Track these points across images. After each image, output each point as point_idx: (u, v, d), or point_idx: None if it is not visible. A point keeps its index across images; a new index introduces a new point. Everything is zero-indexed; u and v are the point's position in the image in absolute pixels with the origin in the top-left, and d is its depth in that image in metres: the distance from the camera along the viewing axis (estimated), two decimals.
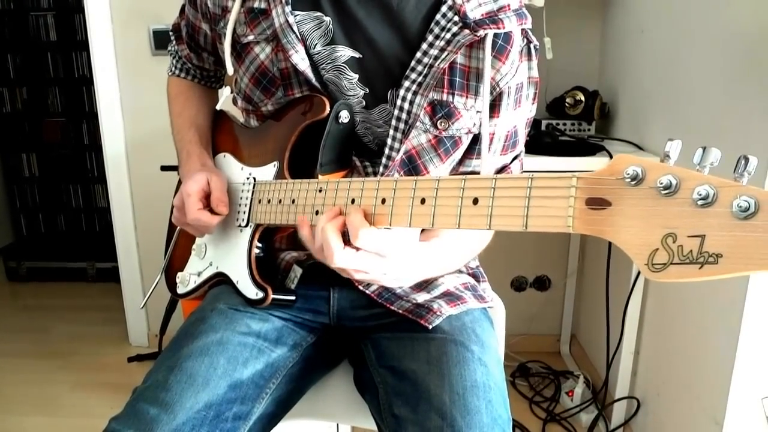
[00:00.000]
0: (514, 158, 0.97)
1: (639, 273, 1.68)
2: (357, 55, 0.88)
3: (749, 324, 1.23)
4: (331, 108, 0.86)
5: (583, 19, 2.10)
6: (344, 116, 0.87)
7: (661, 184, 0.46)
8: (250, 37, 0.91)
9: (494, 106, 0.89)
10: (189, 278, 1.03)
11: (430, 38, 0.85)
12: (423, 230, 0.77)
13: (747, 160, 0.43)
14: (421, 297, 0.96)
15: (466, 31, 0.82)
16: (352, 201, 0.73)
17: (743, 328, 1.23)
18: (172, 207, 1.00)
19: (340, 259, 0.71)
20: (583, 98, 1.91)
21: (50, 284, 3.19)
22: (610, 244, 1.87)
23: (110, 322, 2.65)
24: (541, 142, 1.79)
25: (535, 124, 1.91)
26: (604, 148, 1.70)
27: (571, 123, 1.93)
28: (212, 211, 0.92)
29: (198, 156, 1.01)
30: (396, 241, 0.71)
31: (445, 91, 0.86)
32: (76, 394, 2.16)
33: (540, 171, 0.56)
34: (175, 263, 1.10)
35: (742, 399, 1.28)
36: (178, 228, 1.09)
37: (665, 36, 1.64)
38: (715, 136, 1.34)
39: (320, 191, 0.78)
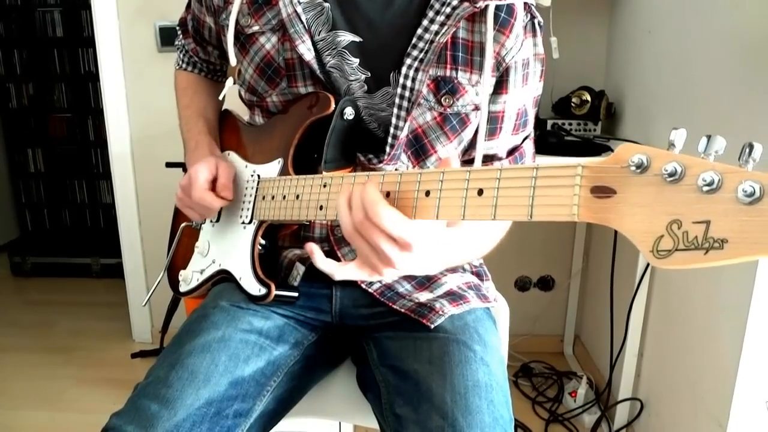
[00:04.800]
0: (525, 138, 0.96)
1: (643, 274, 1.67)
2: (357, 39, 0.88)
3: (754, 326, 1.22)
4: (336, 104, 0.85)
5: (589, 19, 2.10)
6: (349, 113, 0.87)
7: (666, 171, 0.46)
8: (255, 28, 0.91)
9: (502, 83, 0.88)
10: (192, 276, 1.03)
11: (431, 14, 0.85)
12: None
13: (752, 146, 0.43)
14: (424, 296, 0.96)
15: (466, 4, 0.82)
16: None
17: (748, 331, 1.23)
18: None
19: (386, 212, 0.64)
20: (589, 98, 1.91)
21: (54, 280, 3.20)
22: (614, 244, 1.87)
23: (114, 318, 2.65)
24: (546, 141, 1.79)
25: (541, 123, 1.91)
26: (609, 149, 1.70)
27: (577, 123, 1.93)
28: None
29: (207, 145, 1.02)
30: (424, 233, 0.65)
31: (449, 66, 0.86)
32: (79, 389, 2.17)
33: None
34: (177, 261, 1.10)
35: (746, 402, 1.27)
36: (181, 227, 1.09)
37: (672, 36, 1.63)
38: (723, 135, 1.34)
39: (324, 186, 0.77)
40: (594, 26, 2.10)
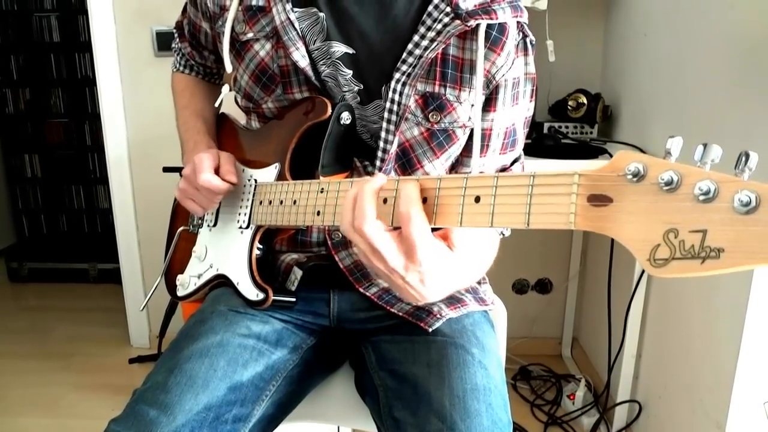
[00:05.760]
0: (515, 160, 0.96)
1: (641, 276, 1.68)
2: (350, 51, 0.88)
3: (751, 327, 1.23)
4: (333, 109, 0.86)
5: (585, 22, 2.10)
6: (345, 117, 0.87)
7: (663, 180, 0.46)
8: (250, 35, 0.92)
9: (491, 100, 0.88)
10: (189, 280, 1.02)
11: (422, 30, 0.85)
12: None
13: (748, 155, 0.43)
14: None
15: (457, 21, 0.82)
16: None
17: (745, 332, 1.23)
18: (176, 199, 0.99)
19: (370, 227, 0.62)
20: (585, 101, 1.91)
21: (52, 285, 3.19)
22: (612, 247, 1.87)
23: (111, 324, 2.65)
24: (543, 144, 1.80)
25: (537, 126, 1.91)
26: (606, 151, 1.70)
27: (574, 126, 1.93)
28: None
29: (205, 144, 1.03)
30: (436, 252, 0.64)
31: (437, 83, 0.86)
32: (77, 395, 2.16)
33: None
34: (175, 266, 1.10)
35: (744, 403, 1.27)
36: (179, 231, 1.09)
37: (668, 39, 1.64)
38: (718, 139, 1.33)
39: (322, 192, 0.78)
40: (590, 29, 2.11)
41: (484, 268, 0.89)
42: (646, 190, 0.47)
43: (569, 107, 1.94)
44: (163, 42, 2.14)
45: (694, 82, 1.47)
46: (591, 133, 1.94)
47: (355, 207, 0.64)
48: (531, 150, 1.71)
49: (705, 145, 0.46)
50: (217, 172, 0.91)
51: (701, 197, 0.44)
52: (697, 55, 1.47)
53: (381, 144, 0.88)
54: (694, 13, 1.49)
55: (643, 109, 1.79)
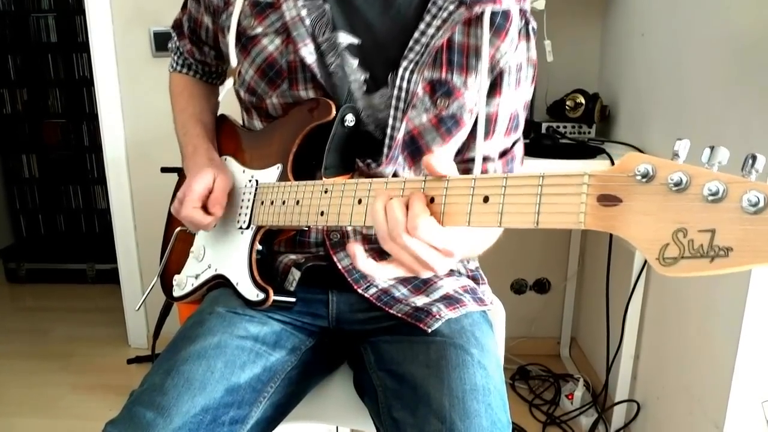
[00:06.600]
0: (515, 142, 0.98)
1: (639, 276, 1.68)
2: (356, 40, 0.89)
3: (749, 327, 1.23)
4: (337, 111, 0.86)
5: (583, 22, 2.10)
6: (350, 119, 0.87)
7: (672, 180, 0.47)
8: (258, 30, 0.92)
9: (496, 85, 0.90)
10: (186, 281, 1.02)
11: (428, 18, 0.86)
12: None
13: (755, 158, 0.44)
14: (420, 300, 0.96)
15: (463, 9, 0.83)
16: (359, 201, 0.72)
17: (743, 332, 1.23)
18: (172, 199, 1.00)
19: (425, 231, 0.64)
20: (583, 101, 1.91)
21: (50, 286, 3.19)
22: (610, 247, 1.87)
23: (110, 324, 2.65)
24: (541, 144, 1.79)
25: (536, 126, 1.91)
26: (604, 151, 1.70)
27: (572, 126, 1.93)
28: (207, 212, 0.92)
29: (205, 150, 1.02)
30: (460, 237, 0.66)
31: (444, 69, 0.87)
32: (75, 395, 2.16)
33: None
34: (171, 267, 1.09)
35: (742, 402, 1.28)
36: (176, 232, 1.09)
37: (665, 39, 1.64)
38: (716, 138, 1.34)
39: (326, 192, 0.78)
40: (587, 29, 2.11)
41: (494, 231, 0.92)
42: (656, 190, 0.48)
43: (567, 107, 1.94)
44: (161, 42, 2.14)
45: (692, 82, 1.48)
46: (589, 133, 1.94)
47: (391, 216, 0.66)
48: (529, 150, 1.71)
49: (712, 148, 0.47)
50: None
51: (710, 197, 0.45)
52: (694, 55, 1.47)
53: (388, 131, 0.88)
54: (691, 13, 1.49)
55: (640, 109, 1.80)
